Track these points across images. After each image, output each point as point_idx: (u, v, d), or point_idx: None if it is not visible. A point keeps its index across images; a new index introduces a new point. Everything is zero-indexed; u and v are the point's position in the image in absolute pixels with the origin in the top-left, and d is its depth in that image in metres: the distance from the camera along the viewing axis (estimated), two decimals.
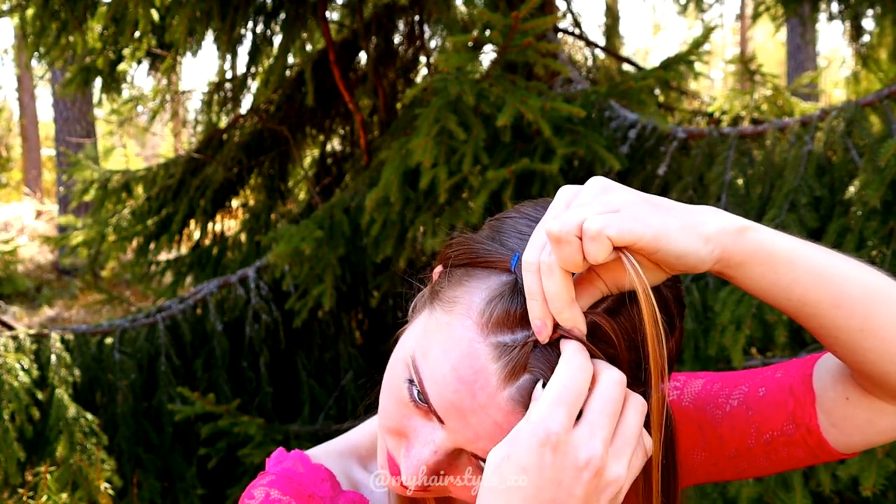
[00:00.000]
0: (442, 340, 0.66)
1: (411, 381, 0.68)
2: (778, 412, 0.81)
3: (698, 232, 0.63)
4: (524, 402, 0.63)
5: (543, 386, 0.62)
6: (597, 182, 0.64)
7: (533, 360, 0.63)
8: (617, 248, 0.61)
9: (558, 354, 0.62)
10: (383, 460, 0.73)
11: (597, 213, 0.60)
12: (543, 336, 0.62)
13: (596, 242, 0.60)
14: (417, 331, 0.71)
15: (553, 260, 0.62)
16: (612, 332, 0.63)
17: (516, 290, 0.65)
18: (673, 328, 0.70)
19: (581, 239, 0.60)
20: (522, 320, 0.64)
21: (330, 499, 0.80)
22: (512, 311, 0.64)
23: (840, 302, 0.67)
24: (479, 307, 0.65)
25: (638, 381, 0.65)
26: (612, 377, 0.62)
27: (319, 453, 0.85)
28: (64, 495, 2.42)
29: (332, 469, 0.83)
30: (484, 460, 0.66)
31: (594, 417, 0.60)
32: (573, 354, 0.61)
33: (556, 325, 0.62)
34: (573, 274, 0.63)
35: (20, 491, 2.46)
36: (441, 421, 0.67)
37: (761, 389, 0.83)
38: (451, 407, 0.65)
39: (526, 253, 0.64)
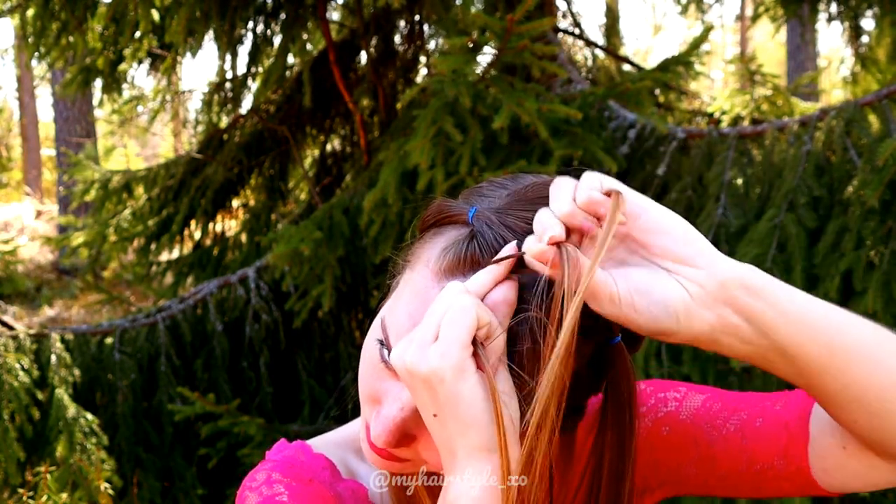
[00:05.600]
0: (405, 295, 0.69)
1: (381, 342, 0.70)
2: (771, 445, 0.79)
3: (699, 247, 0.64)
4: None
5: None
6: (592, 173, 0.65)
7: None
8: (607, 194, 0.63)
9: None
10: (364, 434, 0.73)
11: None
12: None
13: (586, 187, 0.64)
14: (391, 296, 0.74)
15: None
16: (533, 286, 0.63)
17: (470, 238, 0.67)
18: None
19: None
20: (474, 264, 0.65)
21: (330, 485, 0.81)
22: (463, 256, 0.66)
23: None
24: (435, 256, 0.68)
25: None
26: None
27: (318, 444, 0.86)
28: (64, 495, 2.43)
29: (332, 459, 0.84)
30: None
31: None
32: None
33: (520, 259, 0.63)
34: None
35: (20, 491, 2.47)
36: None
37: (759, 420, 0.81)
38: None
39: (555, 205, 0.64)
